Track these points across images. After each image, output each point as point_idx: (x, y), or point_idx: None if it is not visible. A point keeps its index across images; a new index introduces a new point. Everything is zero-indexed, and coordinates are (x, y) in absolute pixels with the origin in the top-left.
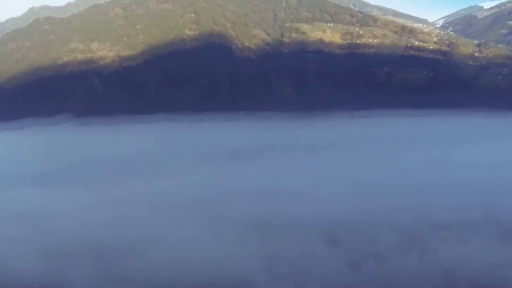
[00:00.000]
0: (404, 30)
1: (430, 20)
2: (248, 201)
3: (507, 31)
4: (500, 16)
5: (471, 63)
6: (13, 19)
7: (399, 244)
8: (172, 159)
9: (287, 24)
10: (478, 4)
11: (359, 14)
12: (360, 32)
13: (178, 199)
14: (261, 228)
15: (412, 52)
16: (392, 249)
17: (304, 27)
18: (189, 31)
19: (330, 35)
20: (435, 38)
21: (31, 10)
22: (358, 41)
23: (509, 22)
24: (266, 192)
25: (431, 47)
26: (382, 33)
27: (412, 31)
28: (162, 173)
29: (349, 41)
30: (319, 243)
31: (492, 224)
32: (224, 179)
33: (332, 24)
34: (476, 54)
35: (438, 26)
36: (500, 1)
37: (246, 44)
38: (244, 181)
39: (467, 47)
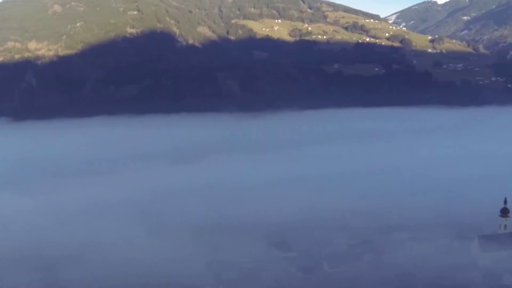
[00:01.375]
0: (355, 26)
1: (382, 15)
2: (191, 203)
3: (461, 27)
4: (454, 12)
5: (424, 59)
6: None
7: (353, 246)
8: (111, 162)
9: (233, 21)
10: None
11: (309, 10)
12: (309, 28)
13: (118, 202)
14: (206, 231)
15: (364, 48)
16: (347, 252)
17: (251, 23)
18: (131, 29)
19: (278, 31)
20: (387, 34)
21: None
22: (307, 38)
23: (464, 18)
24: (210, 193)
25: (383, 43)
26: (332, 29)
27: (363, 27)
28: (100, 176)
29: (297, 38)
30: (269, 246)
31: (450, 222)
32: (165, 180)
33: (280, 21)
34: (430, 50)
35: (390, 21)
36: None
37: (191, 42)
38: (187, 182)
39: (420, 42)
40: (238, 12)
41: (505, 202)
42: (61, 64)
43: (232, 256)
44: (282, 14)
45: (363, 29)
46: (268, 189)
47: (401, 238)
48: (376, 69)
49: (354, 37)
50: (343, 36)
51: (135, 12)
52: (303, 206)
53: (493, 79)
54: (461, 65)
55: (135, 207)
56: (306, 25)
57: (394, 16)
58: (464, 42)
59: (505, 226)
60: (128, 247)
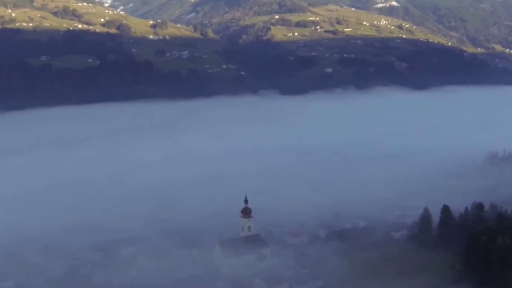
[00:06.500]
0: (65, 11)
1: None
2: None
3: (188, 9)
4: None
5: (145, 46)
6: None
7: (77, 267)
8: None
9: None
10: None
11: None
12: (13, 14)
13: None
14: None
15: (75, 36)
16: (71, 274)
17: None
18: None
19: None
20: (102, 20)
21: None
22: (10, 26)
23: None
24: None
25: (97, 30)
26: (39, 15)
27: (75, 11)
28: None
29: None
30: None
31: (183, 230)
32: None
33: None
34: (151, 36)
35: (106, 5)
36: None
37: None
38: None
39: (140, 28)
40: None
41: (246, 201)
42: None
43: None
44: None
45: (75, 15)
46: None
47: (129, 253)
48: (90, 60)
49: (65, 24)
50: (52, 23)
51: None
52: (1, 228)
53: (224, 66)
54: (187, 52)
55: None
56: (10, 11)
57: None
58: (191, 26)
59: (249, 227)
60: None
